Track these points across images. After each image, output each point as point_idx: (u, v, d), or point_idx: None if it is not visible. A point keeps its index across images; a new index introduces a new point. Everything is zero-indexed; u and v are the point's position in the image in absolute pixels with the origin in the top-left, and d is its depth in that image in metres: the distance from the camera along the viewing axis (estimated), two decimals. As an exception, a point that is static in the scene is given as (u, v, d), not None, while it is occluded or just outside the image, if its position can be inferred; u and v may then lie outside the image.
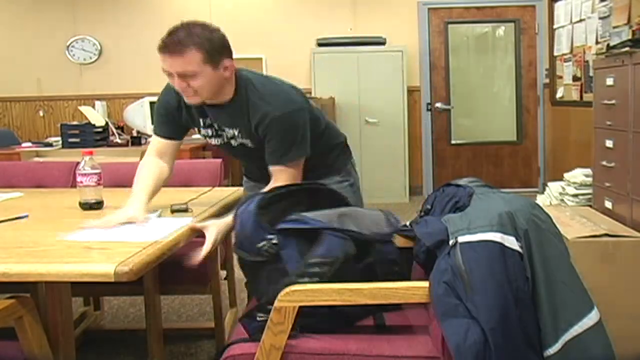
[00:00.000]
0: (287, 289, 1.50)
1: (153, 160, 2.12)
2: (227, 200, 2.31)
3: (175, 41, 1.81)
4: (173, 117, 2.11)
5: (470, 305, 1.38)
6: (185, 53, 1.81)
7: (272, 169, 2.03)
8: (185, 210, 2.04)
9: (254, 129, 2.00)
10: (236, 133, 2.06)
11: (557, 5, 5.69)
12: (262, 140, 2.01)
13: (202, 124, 2.11)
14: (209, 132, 2.12)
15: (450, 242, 1.44)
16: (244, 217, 1.69)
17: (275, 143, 1.99)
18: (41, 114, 6.57)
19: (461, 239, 1.42)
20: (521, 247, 1.40)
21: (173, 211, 2.04)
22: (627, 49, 3.33)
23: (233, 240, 1.77)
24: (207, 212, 2.06)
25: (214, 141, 2.15)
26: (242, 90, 1.99)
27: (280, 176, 2.01)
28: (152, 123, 2.25)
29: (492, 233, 1.40)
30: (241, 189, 2.52)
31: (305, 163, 2.07)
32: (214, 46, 1.86)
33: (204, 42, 1.83)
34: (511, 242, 1.40)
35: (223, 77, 1.92)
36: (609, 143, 3.47)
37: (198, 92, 1.90)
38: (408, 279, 1.77)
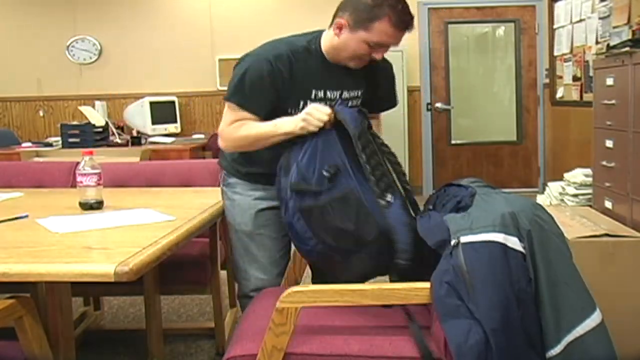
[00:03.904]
0: (289, 290, 1.50)
1: None
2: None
3: (412, 18, 1.86)
4: (276, 89, 1.92)
5: (472, 306, 1.37)
6: None
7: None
8: None
9: (378, 80, 2.09)
10: (359, 93, 2.08)
11: (557, 5, 5.69)
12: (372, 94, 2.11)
13: (313, 95, 1.98)
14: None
15: (452, 242, 1.44)
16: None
17: (392, 87, 2.17)
18: (41, 114, 6.56)
19: (463, 239, 1.42)
20: (524, 247, 1.40)
21: None
22: (627, 49, 3.33)
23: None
24: (207, 212, 2.06)
25: None
26: None
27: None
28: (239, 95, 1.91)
29: (494, 233, 1.40)
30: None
31: None
32: None
33: None
34: (514, 242, 1.40)
35: None
36: (609, 143, 3.47)
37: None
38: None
